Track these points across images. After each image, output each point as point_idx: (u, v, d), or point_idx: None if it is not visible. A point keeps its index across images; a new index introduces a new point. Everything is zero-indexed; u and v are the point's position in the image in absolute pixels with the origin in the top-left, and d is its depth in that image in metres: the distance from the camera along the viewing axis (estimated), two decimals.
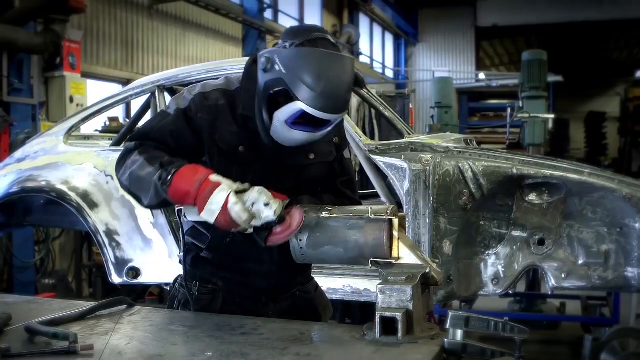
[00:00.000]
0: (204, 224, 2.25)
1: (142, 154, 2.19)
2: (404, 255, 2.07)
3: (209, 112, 2.25)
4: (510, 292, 3.96)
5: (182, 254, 2.45)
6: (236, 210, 2.01)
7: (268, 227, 2.09)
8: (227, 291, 2.36)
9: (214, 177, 2.07)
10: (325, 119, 2.12)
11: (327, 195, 2.41)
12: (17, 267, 7.58)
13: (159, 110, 2.38)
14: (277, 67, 2.10)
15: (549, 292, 4.01)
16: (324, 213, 2.13)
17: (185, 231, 2.40)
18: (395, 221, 2.07)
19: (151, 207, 2.24)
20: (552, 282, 3.74)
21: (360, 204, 2.40)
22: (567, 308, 6.97)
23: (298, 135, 2.16)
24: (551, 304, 7.16)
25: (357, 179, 6.33)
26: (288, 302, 2.43)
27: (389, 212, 2.07)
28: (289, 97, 2.09)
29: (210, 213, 2.03)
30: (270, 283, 2.37)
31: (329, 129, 2.18)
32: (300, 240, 2.13)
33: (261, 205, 2.03)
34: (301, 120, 2.12)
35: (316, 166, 2.35)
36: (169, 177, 2.08)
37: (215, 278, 2.37)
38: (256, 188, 2.06)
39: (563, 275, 3.72)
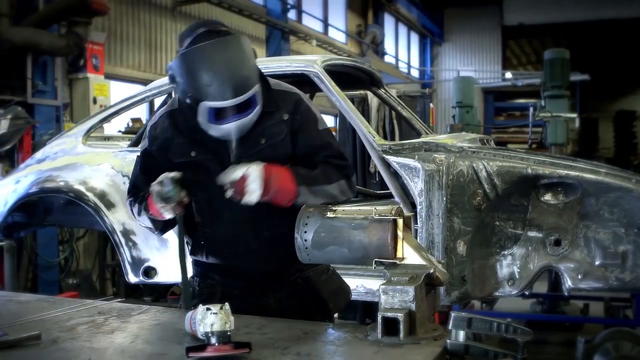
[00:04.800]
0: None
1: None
2: (409, 255, 2.06)
3: (158, 141, 2.44)
4: (527, 292, 3.90)
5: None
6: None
7: (170, 200, 2.28)
8: (225, 284, 2.44)
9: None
10: (234, 105, 2.22)
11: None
12: (41, 267, 7.67)
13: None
14: (177, 79, 2.29)
15: (565, 294, 3.96)
16: (328, 213, 2.13)
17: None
18: (400, 221, 2.05)
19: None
20: (569, 283, 3.70)
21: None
22: (591, 309, 6.87)
23: (231, 127, 2.26)
24: (574, 305, 7.07)
25: (376, 179, 6.35)
26: (288, 290, 2.45)
27: (393, 212, 2.06)
28: (198, 101, 2.23)
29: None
30: (263, 274, 2.41)
31: (257, 108, 2.27)
32: (306, 241, 2.13)
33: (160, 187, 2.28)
34: (221, 114, 2.24)
35: (269, 148, 2.37)
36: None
37: (212, 273, 2.47)
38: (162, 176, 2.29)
39: (579, 276, 3.67)
